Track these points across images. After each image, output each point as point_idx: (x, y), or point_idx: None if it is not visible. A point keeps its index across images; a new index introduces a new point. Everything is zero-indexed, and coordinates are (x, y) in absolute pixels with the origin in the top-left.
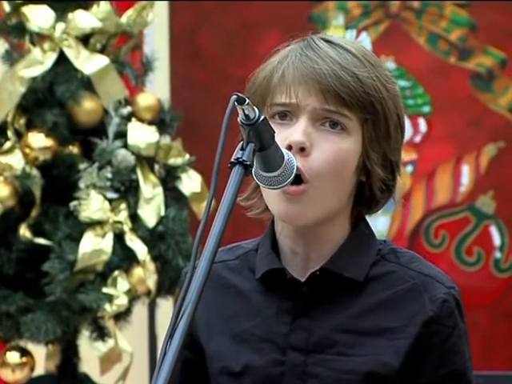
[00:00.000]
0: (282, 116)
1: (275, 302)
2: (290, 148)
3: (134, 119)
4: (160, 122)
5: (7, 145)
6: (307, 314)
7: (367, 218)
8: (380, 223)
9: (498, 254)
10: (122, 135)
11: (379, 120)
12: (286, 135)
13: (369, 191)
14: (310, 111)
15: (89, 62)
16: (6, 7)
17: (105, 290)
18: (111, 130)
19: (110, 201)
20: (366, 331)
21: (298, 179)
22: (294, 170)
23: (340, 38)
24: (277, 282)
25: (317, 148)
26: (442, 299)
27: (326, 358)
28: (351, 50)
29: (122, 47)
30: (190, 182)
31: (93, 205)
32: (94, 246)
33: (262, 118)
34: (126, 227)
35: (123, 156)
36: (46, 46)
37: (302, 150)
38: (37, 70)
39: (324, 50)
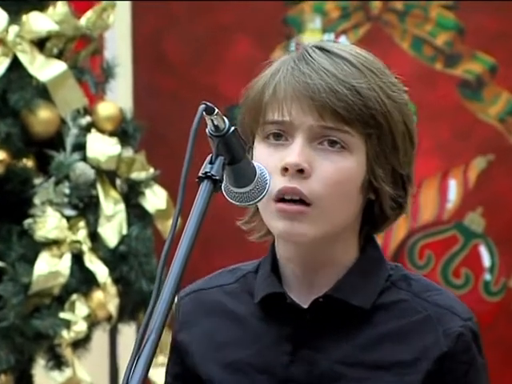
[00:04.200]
0: (277, 136)
1: (274, 328)
2: (286, 170)
3: (93, 130)
4: (122, 133)
5: None
6: (309, 343)
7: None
8: None
9: (487, 276)
10: (80, 147)
11: (384, 134)
12: (281, 157)
13: (379, 210)
14: (306, 129)
15: (45, 68)
16: None
17: (62, 315)
18: (69, 141)
19: (68, 218)
20: (373, 365)
21: (300, 203)
22: (267, 185)
23: (337, 44)
24: (277, 307)
25: (316, 169)
26: (457, 333)
27: None
28: (349, 59)
29: (80, 52)
30: (155, 198)
31: (49, 223)
32: (50, 268)
33: (233, 129)
34: (85, 247)
35: (82, 170)
36: None
37: (301, 172)
38: None
39: (318, 61)
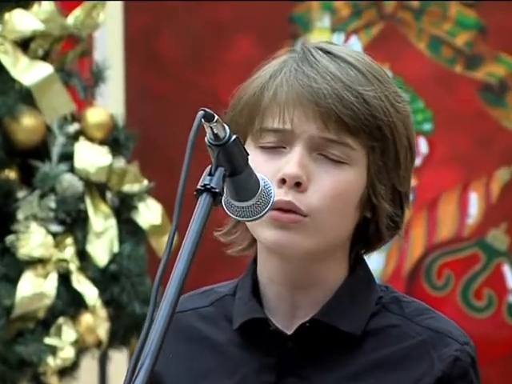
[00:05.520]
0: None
1: (256, 357)
2: (283, 182)
3: (82, 138)
4: (113, 141)
5: None
6: (294, 372)
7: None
8: (372, 261)
9: None
10: (67, 157)
11: (388, 147)
12: (278, 166)
13: (374, 228)
14: (306, 139)
15: (29, 71)
16: None
17: (47, 340)
18: (55, 151)
19: (54, 235)
20: None
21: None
22: (272, 199)
23: (341, 47)
24: (258, 333)
25: (315, 182)
26: (453, 357)
27: None
28: (355, 64)
29: (68, 53)
30: (149, 213)
31: (33, 240)
32: (34, 289)
33: (234, 137)
34: (73, 266)
35: (69, 182)
36: None
37: (298, 184)
38: None
39: (323, 64)
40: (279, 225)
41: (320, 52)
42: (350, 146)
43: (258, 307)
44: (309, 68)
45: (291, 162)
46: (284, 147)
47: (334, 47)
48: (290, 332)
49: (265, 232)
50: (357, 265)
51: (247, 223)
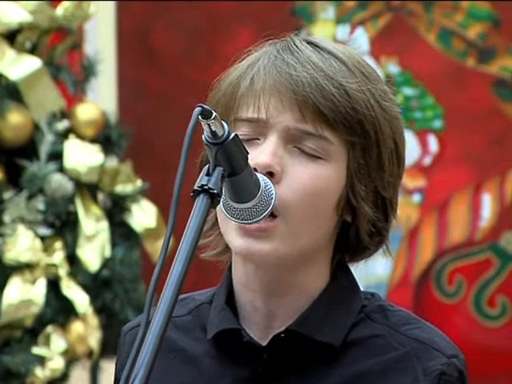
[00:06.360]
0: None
1: (231, 369)
2: (254, 171)
3: (72, 136)
4: (105, 139)
5: None
6: None
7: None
8: (379, 266)
9: None
10: (56, 156)
11: (370, 145)
12: (251, 157)
13: (354, 234)
14: (281, 130)
15: (16, 65)
16: None
17: (35, 350)
18: (43, 149)
19: (42, 238)
20: None
21: None
22: (273, 200)
23: (330, 42)
24: (232, 344)
25: (289, 174)
26: (438, 371)
27: None
28: (340, 56)
29: (57, 46)
30: (143, 215)
31: (20, 243)
32: (21, 296)
33: (233, 135)
34: (62, 271)
35: (58, 182)
36: None
37: (271, 175)
38: None
39: (305, 53)
40: (247, 234)
41: (304, 42)
42: (328, 139)
43: (232, 317)
44: (289, 56)
45: (264, 151)
46: (258, 139)
47: (323, 41)
48: (264, 343)
49: (234, 240)
50: (338, 272)
51: (218, 219)
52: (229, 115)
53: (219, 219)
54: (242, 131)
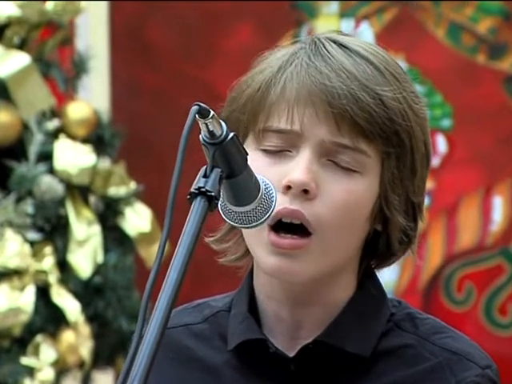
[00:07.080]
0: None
1: (254, 381)
2: (288, 189)
3: (62, 136)
4: (97, 139)
5: None
6: None
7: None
8: (384, 273)
9: None
10: (46, 157)
11: (404, 154)
12: (283, 171)
13: (385, 243)
14: (316, 143)
15: (4, 61)
16: None
17: (24, 360)
18: (33, 150)
19: (32, 243)
20: None
21: (301, 229)
22: (273, 204)
23: (354, 38)
24: (256, 355)
25: (324, 191)
26: (473, 383)
27: None
28: (371, 60)
29: (47, 42)
30: (137, 219)
31: (8, 249)
32: (9, 303)
33: (232, 135)
34: (52, 278)
35: (48, 184)
36: None
37: (305, 192)
38: None
39: (338, 58)
40: (279, 251)
41: (333, 45)
42: (365, 152)
43: (256, 326)
44: (322, 63)
45: (298, 167)
46: (289, 151)
47: (347, 38)
48: (291, 354)
49: (263, 257)
50: (366, 280)
51: (244, 232)
52: (256, 123)
53: (245, 233)
54: (273, 142)
